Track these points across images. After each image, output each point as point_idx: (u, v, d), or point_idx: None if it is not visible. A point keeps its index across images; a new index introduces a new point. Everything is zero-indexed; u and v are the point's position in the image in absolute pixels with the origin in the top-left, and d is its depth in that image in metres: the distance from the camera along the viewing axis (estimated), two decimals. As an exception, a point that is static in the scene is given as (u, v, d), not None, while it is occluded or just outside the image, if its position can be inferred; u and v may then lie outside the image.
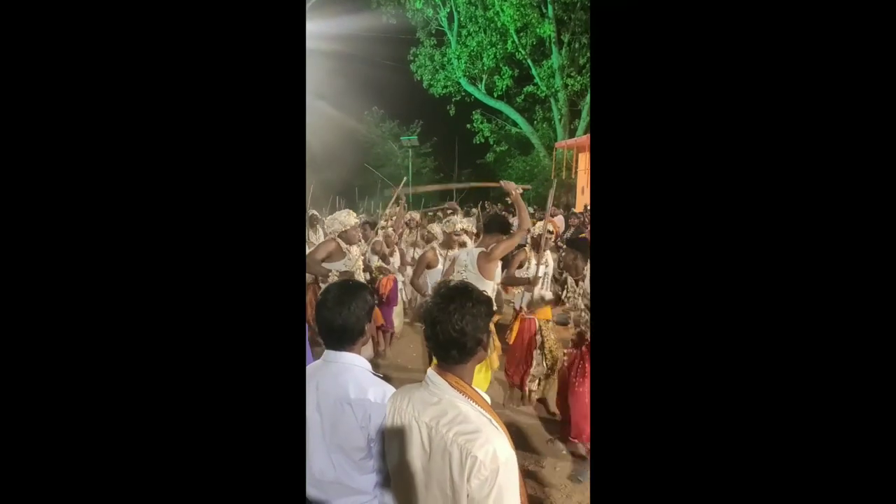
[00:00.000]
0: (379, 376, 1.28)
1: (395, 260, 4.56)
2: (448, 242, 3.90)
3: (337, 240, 3.20)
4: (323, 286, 2.84)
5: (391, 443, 1.11)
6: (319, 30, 12.32)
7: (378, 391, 1.20)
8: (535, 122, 15.57)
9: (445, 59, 15.21)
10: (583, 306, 2.66)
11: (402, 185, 4.19)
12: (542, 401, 3.43)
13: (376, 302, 1.43)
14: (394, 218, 4.83)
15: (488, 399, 1.07)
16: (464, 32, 14.50)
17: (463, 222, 3.91)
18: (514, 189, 2.56)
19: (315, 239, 5.09)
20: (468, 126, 16.30)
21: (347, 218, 3.27)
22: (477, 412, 1.02)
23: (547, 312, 3.30)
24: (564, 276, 2.94)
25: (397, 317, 4.43)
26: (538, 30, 13.48)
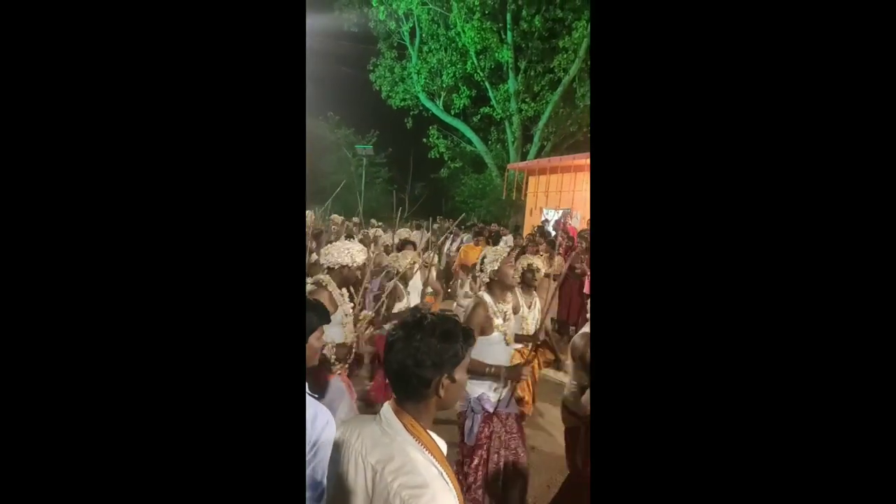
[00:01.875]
0: (315, 397, 1.25)
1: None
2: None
3: (329, 289, 2.30)
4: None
5: (334, 475, 1.04)
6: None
7: (308, 415, 1.18)
8: (490, 142, 15.94)
9: (405, 72, 15.26)
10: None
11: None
12: None
13: (323, 322, 1.39)
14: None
15: (444, 448, 1.01)
16: (425, 49, 14.64)
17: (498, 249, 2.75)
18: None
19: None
20: (424, 140, 16.41)
21: (358, 255, 2.36)
22: (428, 462, 0.95)
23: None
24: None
25: None
26: (497, 54, 13.86)
